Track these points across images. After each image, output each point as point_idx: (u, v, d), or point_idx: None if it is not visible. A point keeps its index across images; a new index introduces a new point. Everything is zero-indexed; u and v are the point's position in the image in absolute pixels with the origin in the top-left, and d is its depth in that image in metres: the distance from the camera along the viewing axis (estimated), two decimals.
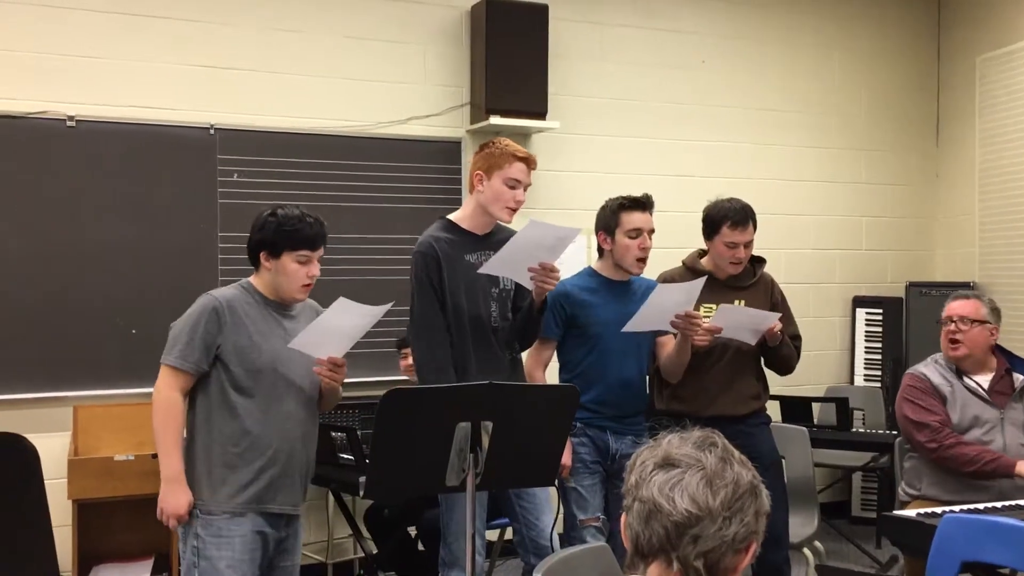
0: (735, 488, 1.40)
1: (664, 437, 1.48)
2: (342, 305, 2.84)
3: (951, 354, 3.61)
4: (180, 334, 2.85)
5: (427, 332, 3.18)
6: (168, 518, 2.81)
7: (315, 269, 2.94)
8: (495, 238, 3.28)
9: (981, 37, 5.90)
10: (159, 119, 4.49)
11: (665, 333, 3.54)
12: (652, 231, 3.53)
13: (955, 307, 3.63)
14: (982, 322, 3.59)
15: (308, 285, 2.93)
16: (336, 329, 2.88)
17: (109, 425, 4.28)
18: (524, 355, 3.50)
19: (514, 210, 3.26)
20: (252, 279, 2.97)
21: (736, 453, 1.46)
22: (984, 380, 3.61)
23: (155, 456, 2.88)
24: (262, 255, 2.90)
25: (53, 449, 4.12)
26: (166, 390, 2.83)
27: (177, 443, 2.82)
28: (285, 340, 2.87)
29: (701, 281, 3.38)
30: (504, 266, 3.14)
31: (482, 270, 3.15)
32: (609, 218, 3.53)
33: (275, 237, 2.88)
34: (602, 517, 3.43)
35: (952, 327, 3.59)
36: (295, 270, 2.89)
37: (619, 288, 3.56)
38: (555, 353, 3.60)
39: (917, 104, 6.21)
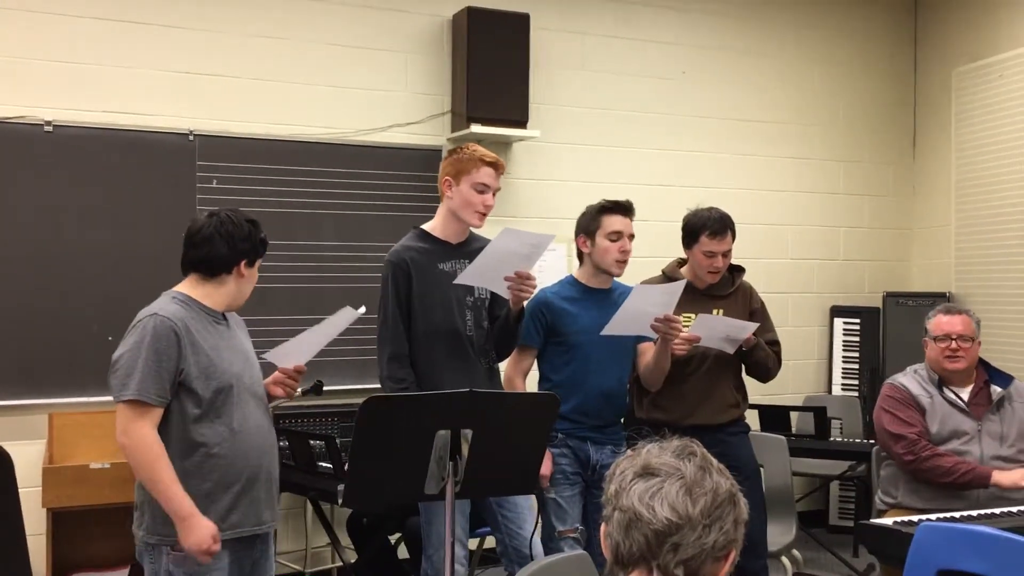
0: (714, 496, 1.41)
1: (643, 446, 1.49)
2: (344, 315, 2.81)
3: (951, 367, 3.60)
4: (136, 363, 2.55)
5: (388, 344, 3.18)
6: (198, 555, 2.56)
7: None
8: (470, 247, 3.27)
9: (957, 50, 5.96)
10: (138, 125, 4.46)
11: (645, 339, 3.55)
12: (632, 236, 3.53)
13: (952, 324, 3.62)
14: (974, 339, 3.63)
15: None
16: (314, 339, 2.86)
17: (85, 433, 4.24)
18: (504, 363, 3.50)
19: (484, 215, 3.25)
20: (187, 290, 2.73)
21: (715, 462, 1.47)
22: (965, 392, 3.63)
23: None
24: (243, 264, 2.75)
25: (28, 457, 4.06)
26: (137, 430, 2.54)
27: (174, 477, 2.55)
28: (232, 350, 2.73)
29: (681, 284, 3.38)
30: (479, 276, 3.12)
31: (458, 281, 3.13)
32: (589, 221, 3.53)
33: (257, 245, 2.78)
34: (580, 528, 3.42)
35: (953, 344, 3.60)
36: (256, 277, 2.83)
37: (600, 296, 3.56)
38: (535, 362, 3.60)
39: (894, 116, 6.27)
